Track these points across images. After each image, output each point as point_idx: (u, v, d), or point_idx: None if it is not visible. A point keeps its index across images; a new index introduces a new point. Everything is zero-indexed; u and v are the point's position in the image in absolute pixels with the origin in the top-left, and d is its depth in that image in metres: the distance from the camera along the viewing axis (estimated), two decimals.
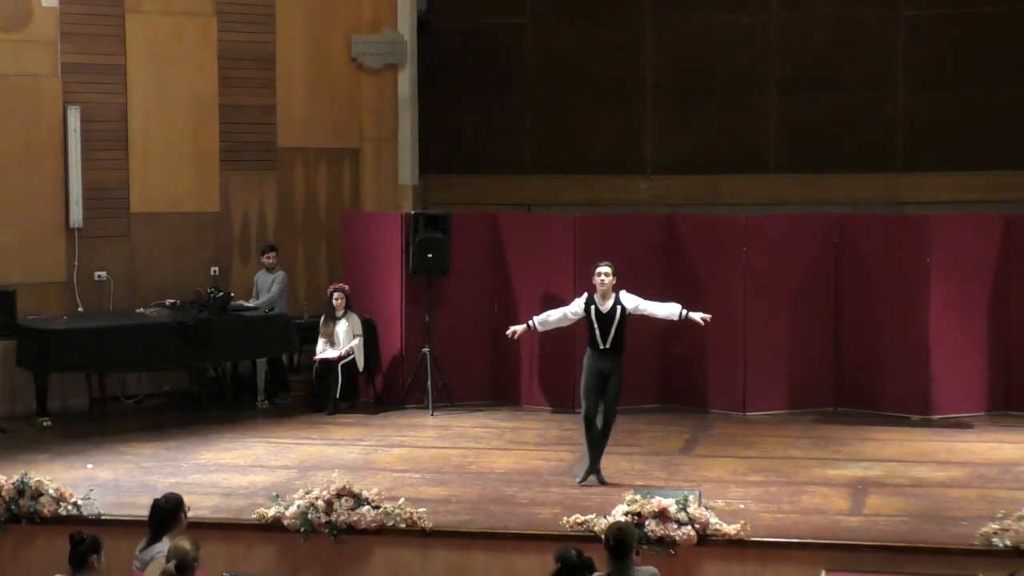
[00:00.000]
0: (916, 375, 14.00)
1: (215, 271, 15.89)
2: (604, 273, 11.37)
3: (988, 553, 9.19)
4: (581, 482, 11.31)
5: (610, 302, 11.33)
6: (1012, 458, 12.24)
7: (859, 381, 14.42)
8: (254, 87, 16.24)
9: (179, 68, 15.78)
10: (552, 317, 11.76)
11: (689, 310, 11.54)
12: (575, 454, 12.20)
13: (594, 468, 11.37)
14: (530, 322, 11.85)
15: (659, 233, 14.79)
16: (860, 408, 14.30)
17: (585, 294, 11.50)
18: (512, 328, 11.96)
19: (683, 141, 17.35)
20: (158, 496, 8.78)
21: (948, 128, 16.76)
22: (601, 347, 11.30)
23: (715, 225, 14.87)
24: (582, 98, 17.54)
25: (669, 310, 11.58)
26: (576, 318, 11.57)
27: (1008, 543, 9.10)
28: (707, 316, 11.55)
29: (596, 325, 11.30)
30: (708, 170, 17.16)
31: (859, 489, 11.07)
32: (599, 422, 11.38)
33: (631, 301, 11.42)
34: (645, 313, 11.56)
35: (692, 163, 17.25)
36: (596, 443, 11.39)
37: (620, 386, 11.39)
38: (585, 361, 11.40)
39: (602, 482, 11.28)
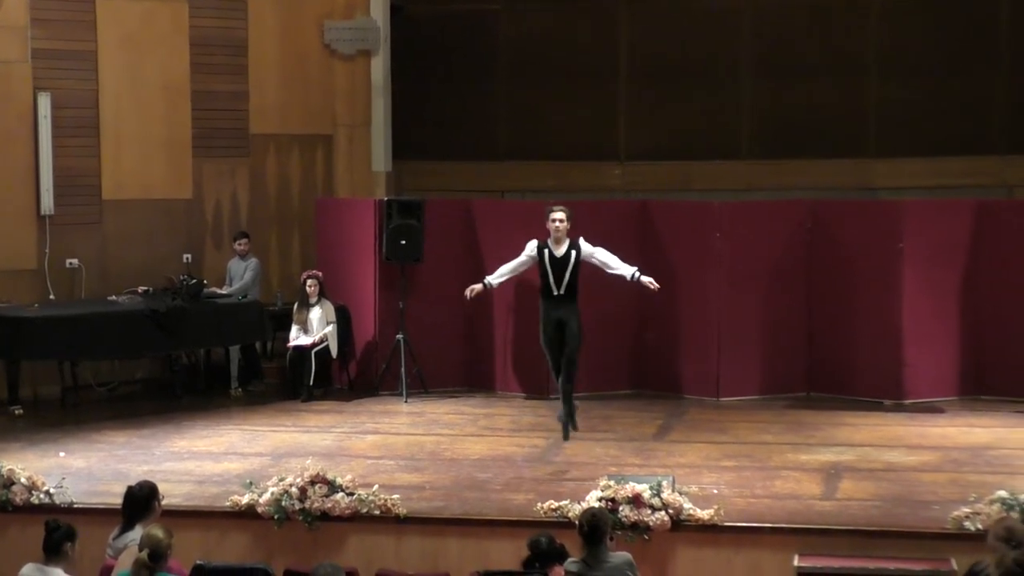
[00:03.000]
0: (888, 360, 14.05)
1: (187, 258, 15.83)
2: (559, 219, 11.27)
3: (960, 537, 9.24)
4: (565, 440, 11.58)
5: (564, 247, 11.27)
6: (984, 442, 12.31)
7: (832, 366, 14.47)
8: (226, 73, 16.17)
9: (150, 54, 15.70)
10: (506, 268, 11.76)
11: (642, 274, 11.51)
12: (549, 440, 12.22)
13: (572, 422, 11.57)
14: (485, 281, 11.87)
15: (632, 219, 14.80)
16: (833, 393, 14.34)
17: (535, 240, 11.40)
18: (469, 288, 11.93)
19: (657, 127, 17.36)
20: (131, 484, 8.78)
21: (920, 114, 16.82)
22: (555, 293, 11.23)
23: (688, 211, 14.89)
24: (556, 84, 17.53)
25: (623, 268, 11.56)
26: (531, 262, 11.53)
27: (980, 527, 9.13)
28: (656, 284, 11.52)
29: (549, 270, 11.22)
30: (681, 156, 17.18)
31: (832, 474, 11.11)
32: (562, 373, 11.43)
33: (588, 248, 11.37)
34: (600, 262, 11.54)
35: (665, 149, 17.26)
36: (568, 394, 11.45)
37: (579, 332, 11.35)
38: (541, 313, 11.35)
39: (573, 427, 11.53)
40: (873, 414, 13.60)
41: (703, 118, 17.25)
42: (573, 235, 11.52)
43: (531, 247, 11.42)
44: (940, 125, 16.77)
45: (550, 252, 11.27)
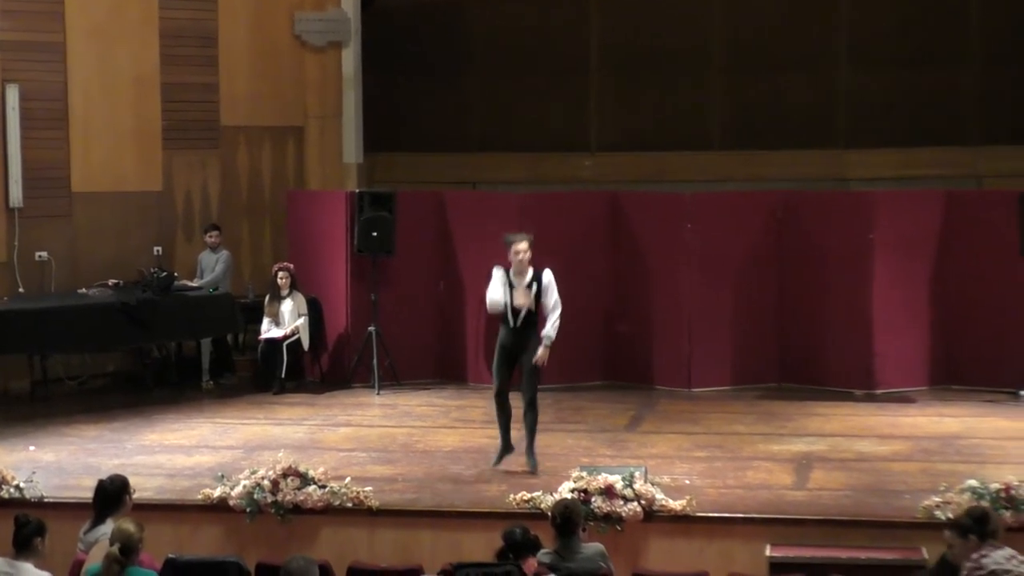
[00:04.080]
0: (859, 350, 14.10)
1: (158, 251, 15.77)
2: (522, 250, 10.64)
3: (931, 526, 9.28)
4: (495, 465, 10.98)
5: (527, 278, 10.69)
6: (954, 431, 12.37)
7: (803, 357, 14.51)
8: (196, 65, 16.11)
9: (120, 46, 15.62)
10: (496, 301, 10.83)
11: (541, 343, 10.71)
12: (521, 432, 12.17)
13: (508, 449, 11.00)
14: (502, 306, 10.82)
15: (604, 210, 14.80)
16: (804, 383, 14.38)
17: (500, 268, 10.83)
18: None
19: (628, 119, 17.39)
20: (102, 478, 8.74)
21: (890, 105, 16.89)
22: (512, 325, 10.74)
23: (660, 202, 14.90)
24: (527, 76, 17.54)
25: (547, 321, 10.75)
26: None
27: (950, 516, 9.17)
28: (543, 362, 10.76)
29: (510, 301, 10.68)
30: (653, 147, 17.21)
31: (803, 464, 11.14)
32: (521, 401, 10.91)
33: (549, 289, 10.65)
34: (543, 304, 10.73)
35: (637, 140, 17.28)
36: (509, 422, 10.97)
37: (536, 365, 10.72)
38: (498, 338, 10.89)
39: (532, 466, 10.84)
40: (844, 404, 13.65)
41: (674, 109, 17.29)
42: (537, 262, 10.83)
43: (499, 275, 10.77)
44: (911, 116, 16.86)
45: (510, 282, 10.71)
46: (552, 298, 10.71)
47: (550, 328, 10.72)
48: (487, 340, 14.69)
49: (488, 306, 10.99)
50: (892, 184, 16.08)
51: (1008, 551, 7.64)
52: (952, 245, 14.21)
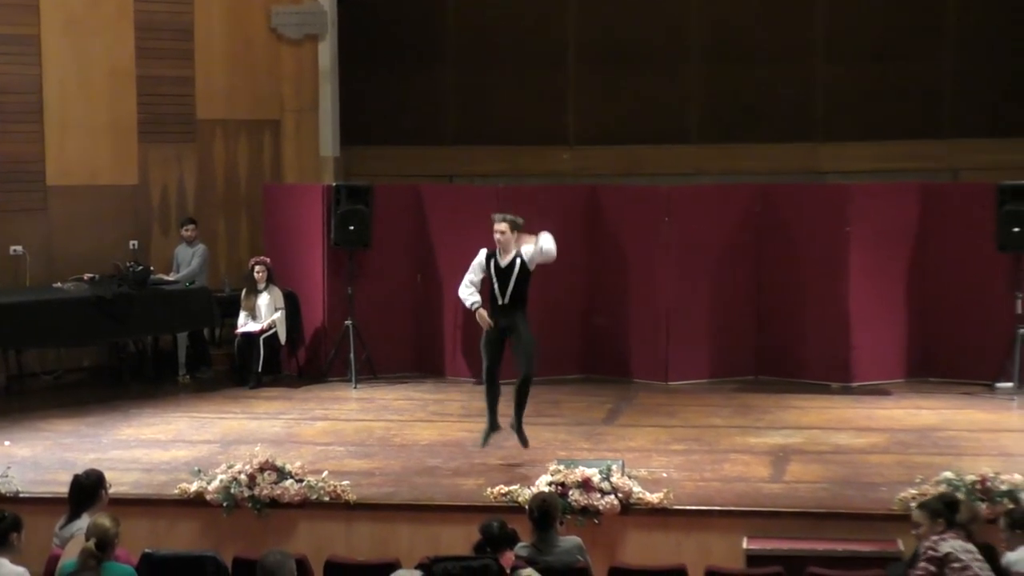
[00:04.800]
0: (836, 343, 14.14)
1: (134, 245, 15.72)
2: (500, 230, 10.92)
3: (907, 518, 9.28)
4: (483, 445, 11.09)
5: (510, 256, 10.91)
6: (930, 424, 12.41)
7: (780, 349, 14.54)
8: (172, 58, 16.04)
9: (95, 39, 15.55)
10: (472, 285, 11.05)
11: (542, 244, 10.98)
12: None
13: (495, 427, 11.10)
14: (473, 306, 11.02)
15: (582, 204, 14.81)
16: (781, 376, 14.42)
17: (485, 249, 11.06)
18: (481, 317, 11.02)
19: (605, 112, 17.38)
20: (78, 473, 8.72)
21: (867, 98, 16.92)
22: (500, 302, 10.90)
23: (637, 196, 14.91)
24: (504, 69, 17.52)
25: (539, 242, 10.98)
26: (482, 271, 11.04)
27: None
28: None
29: (495, 279, 10.91)
30: (630, 140, 17.20)
31: (780, 457, 11.17)
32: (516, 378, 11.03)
33: (528, 249, 10.89)
34: (542, 254, 10.92)
35: (614, 134, 17.28)
36: (497, 402, 11.05)
37: (530, 338, 10.91)
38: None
39: (524, 442, 11.04)
40: (821, 397, 13.68)
41: (652, 103, 17.29)
42: (525, 240, 11.05)
43: (481, 255, 11.06)
44: (887, 109, 16.89)
45: (496, 261, 10.95)
46: (538, 243, 10.87)
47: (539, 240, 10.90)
48: (464, 334, 14.70)
49: (473, 281, 11.08)
50: (868, 177, 16.13)
51: (968, 545, 7.69)
52: (928, 238, 14.26)
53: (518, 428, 11.09)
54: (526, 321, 10.97)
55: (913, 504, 9.28)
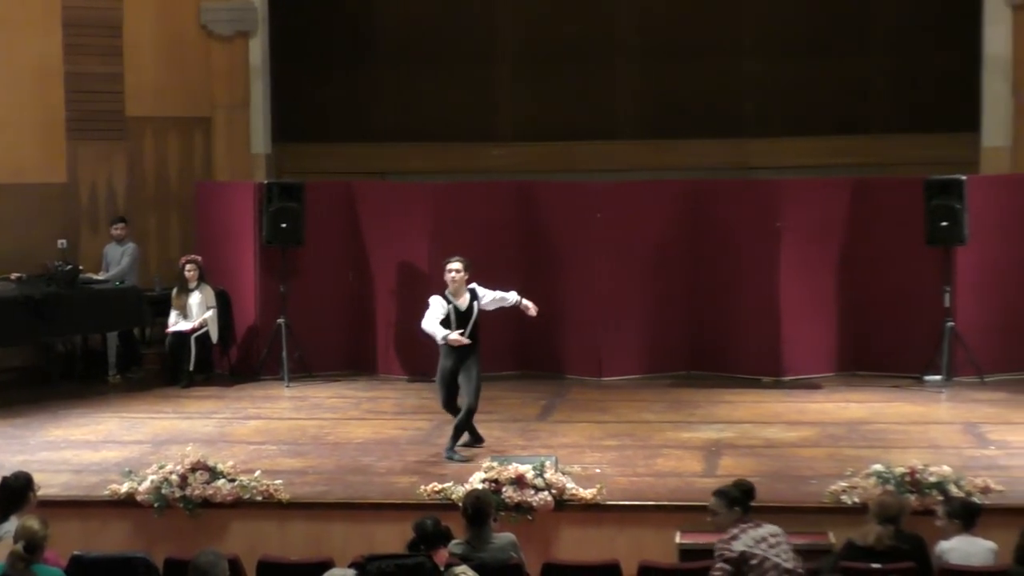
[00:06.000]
0: (767, 338, 14.23)
1: (63, 244, 15.55)
2: (455, 270, 11.00)
3: (837, 510, 9.41)
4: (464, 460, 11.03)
5: (466, 298, 11.03)
6: (859, 417, 12.52)
7: (712, 344, 14.62)
8: (101, 55, 15.91)
9: (22, 35, 15.40)
10: (437, 321, 11.03)
11: (522, 299, 11.35)
12: (432, 423, 12.21)
13: (479, 439, 11.36)
14: (443, 337, 10.95)
15: (514, 200, 14.81)
16: (713, 371, 14.50)
17: (437, 295, 11.08)
18: (459, 340, 10.99)
19: (537, 108, 17.40)
20: (6, 474, 8.63)
21: (795, 94, 17.04)
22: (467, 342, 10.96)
23: (569, 192, 14.94)
24: (436, 65, 17.48)
25: (510, 297, 11.34)
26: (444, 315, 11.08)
27: (856, 500, 9.31)
28: (534, 310, 11.37)
29: (454, 323, 10.96)
30: (562, 137, 17.23)
31: (712, 451, 11.24)
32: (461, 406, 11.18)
33: (487, 296, 11.13)
34: (492, 299, 11.21)
35: (546, 130, 17.29)
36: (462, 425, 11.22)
37: (479, 375, 11.11)
38: (441, 353, 11.05)
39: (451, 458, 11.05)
40: (752, 391, 13.77)
41: (583, 99, 17.32)
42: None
43: (438, 299, 11.01)
44: (816, 104, 17.01)
45: (454, 305, 10.99)
46: (494, 292, 11.22)
47: (511, 294, 11.32)
48: (397, 331, 14.68)
49: (426, 332, 11.11)
50: (798, 172, 16.23)
51: (767, 529, 7.74)
52: (858, 233, 14.37)
53: (451, 448, 11.06)
54: (479, 360, 11.11)
55: (844, 497, 9.40)
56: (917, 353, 13.94)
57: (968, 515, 8.27)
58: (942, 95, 16.80)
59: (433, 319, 11.04)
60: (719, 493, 8.14)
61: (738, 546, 7.71)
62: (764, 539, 7.75)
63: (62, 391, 14.17)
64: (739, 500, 8.03)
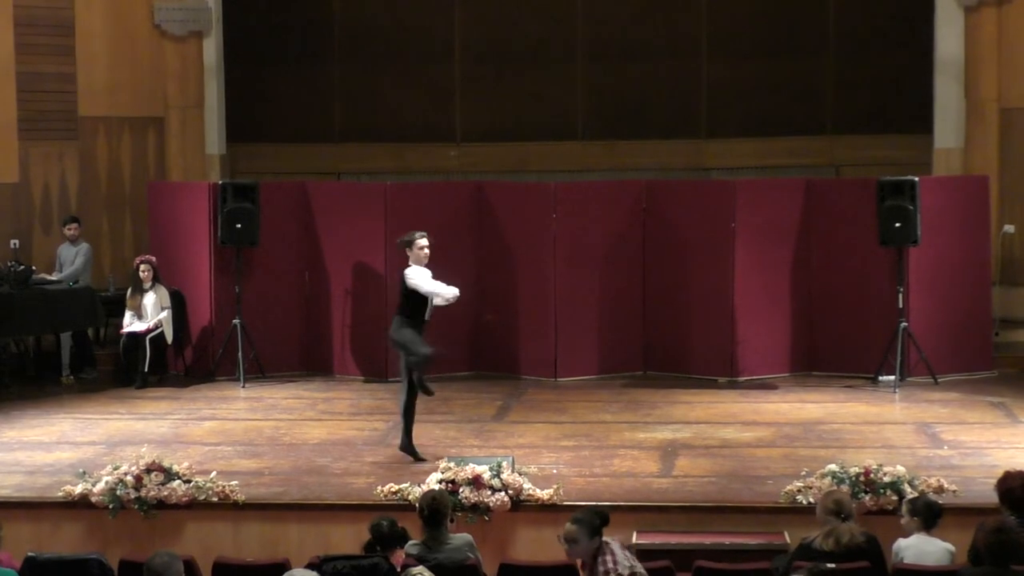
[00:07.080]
0: (722, 338, 14.27)
1: (15, 244, 15.42)
2: (426, 245, 10.98)
3: (793, 510, 9.46)
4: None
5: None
6: (815, 417, 12.58)
7: (668, 345, 14.66)
8: (53, 54, 15.81)
9: None
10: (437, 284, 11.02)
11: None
12: (388, 423, 12.19)
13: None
14: (450, 298, 11.02)
15: (469, 200, 14.81)
16: (669, 372, 14.53)
17: (414, 266, 10.99)
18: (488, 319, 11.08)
19: (492, 109, 17.41)
20: None
21: (750, 95, 17.12)
22: (426, 318, 11.02)
23: (525, 192, 14.96)
24: (391, 66, 17.47)
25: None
26: None
27: (812, 500, 9.34)
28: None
29: (430, 299, 10.94)
30: (517, 137, 17.25)
31: (668, 451, 11.26)
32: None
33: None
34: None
35: (501, 130, 17.31)
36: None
37: None
38: (417, 335, 10.93)
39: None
40: (708, 391, 13.82)
41: (538, 99, 17.35)
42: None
43: (420, 268, 10.92)
44: (770, 106, 17.11)
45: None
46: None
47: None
48: (352, 332, 14.65)
49: (446, 299, 11.01)
50: (752, 173, 16.33)
51: (618, 555, 7.53)
52: (812, 233, 14.44)
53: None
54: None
55: (799, 497, 9.44)
56: (871, 353, 14.02)
57: (930, 515, 8.30)
58: (895, 97, 16.93)
59: (433, 280, 10.94)
60: (577, 521, 7.64)
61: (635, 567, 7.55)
62: (621, 561, 7.57)
63: (14, 392, 14.05)
64: (599, 529, 7.77)
